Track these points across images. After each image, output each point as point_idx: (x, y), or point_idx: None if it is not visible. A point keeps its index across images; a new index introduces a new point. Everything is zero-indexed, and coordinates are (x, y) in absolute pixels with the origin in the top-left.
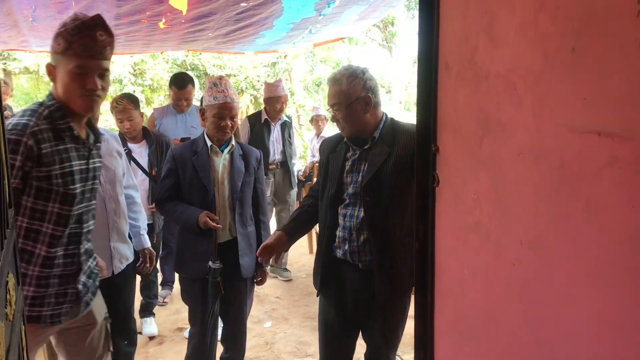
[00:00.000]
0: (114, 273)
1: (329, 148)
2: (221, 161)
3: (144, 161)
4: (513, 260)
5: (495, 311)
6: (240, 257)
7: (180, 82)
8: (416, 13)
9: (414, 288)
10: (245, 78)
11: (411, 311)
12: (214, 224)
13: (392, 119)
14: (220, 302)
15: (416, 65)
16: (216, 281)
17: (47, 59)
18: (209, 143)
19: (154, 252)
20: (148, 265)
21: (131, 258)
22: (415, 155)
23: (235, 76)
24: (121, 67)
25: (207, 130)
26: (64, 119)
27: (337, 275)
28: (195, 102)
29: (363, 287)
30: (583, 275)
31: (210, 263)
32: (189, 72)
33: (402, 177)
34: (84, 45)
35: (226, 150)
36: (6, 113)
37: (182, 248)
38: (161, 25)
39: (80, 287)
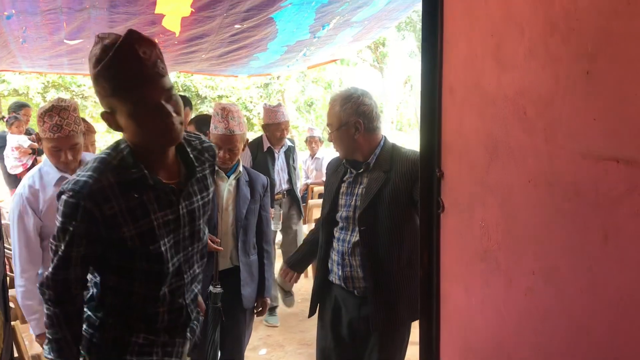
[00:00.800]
0: None
1: (332, 168)
2: (226, 187)
3: None
4: (525, 290)
5: (507, 343)
6: (242, 287)
7: None
8: (407, 34)
9: (418, 315)
10: (238, 99)
11: (415, 337)
12: (215, 246)
13: (393, 144)
14: (219, 331)
15: (407, 85)
16: (217, 307)
17: (36, 80)
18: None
19: None
20: None
21: None
22: (419, 180)
23: (227, 97)
24: None
25: None
26: (137, 166)
27: (333, 300)
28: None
29: (359, 315)
30: (602, 308)
31: (210, 287)
32: (180, 94)
33: (400, 206)
34: (132, 76)
35: (232, 176)
36: (31, 137)
37: None
38: None
39: (188, 335)
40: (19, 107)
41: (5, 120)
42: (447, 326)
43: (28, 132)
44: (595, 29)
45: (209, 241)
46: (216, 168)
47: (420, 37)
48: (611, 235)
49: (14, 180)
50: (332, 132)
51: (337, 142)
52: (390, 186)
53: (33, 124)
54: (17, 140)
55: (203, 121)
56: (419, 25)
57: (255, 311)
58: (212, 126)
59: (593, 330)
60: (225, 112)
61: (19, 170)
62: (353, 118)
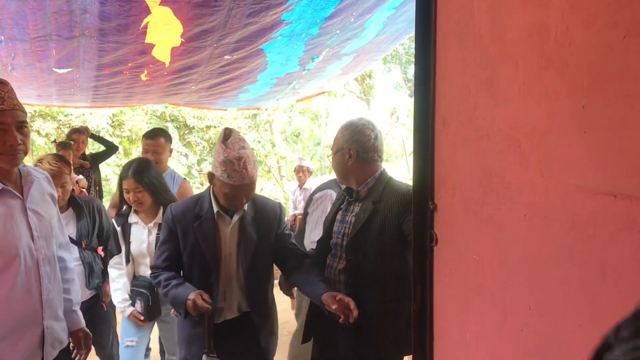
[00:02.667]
0: None
1: (338, 195)
2: (229, 229)
3: (71, 233)
4: (521, 325)
5: None
6: (261, 337)
7: (150, 133)
8: (392, 66)
9: (405, 351)
10: None
11: None
12: (204, 304)
13: (390, 178)
14: None
15: (393, 117)
16: None
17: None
18: (215, 208)
19: (90, 335)
20: (84, 350)
21: (65, 342)
22: (412, 213)
23: (215, 127)
24: (99, 118)
25: (215, 196)
26: None
27: (324, 329)
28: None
29: (346, 348)
30: None
31: (204, 357)
32: (168, 124)
33: (387, 238)
34: None
35: (236, 217)
36: (86, 163)
37: (179, 331)
38: (143, 77)
39: None
40: (71, 133)
41: (56, 145)
42: None
43: (84, 158)
44: (590, 63)
45: (199, 299)
46: (217, 209)
47: (406, 69)
48: (610, 271)
49: None
50: (331, 155)
51: (333, 166)
52: (378, 218)
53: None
54: None
55: (144, 168)
56: (405, 58)
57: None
58: (223, 174)
59: None
60: (242, 162)
61: None
62: (347, 145)
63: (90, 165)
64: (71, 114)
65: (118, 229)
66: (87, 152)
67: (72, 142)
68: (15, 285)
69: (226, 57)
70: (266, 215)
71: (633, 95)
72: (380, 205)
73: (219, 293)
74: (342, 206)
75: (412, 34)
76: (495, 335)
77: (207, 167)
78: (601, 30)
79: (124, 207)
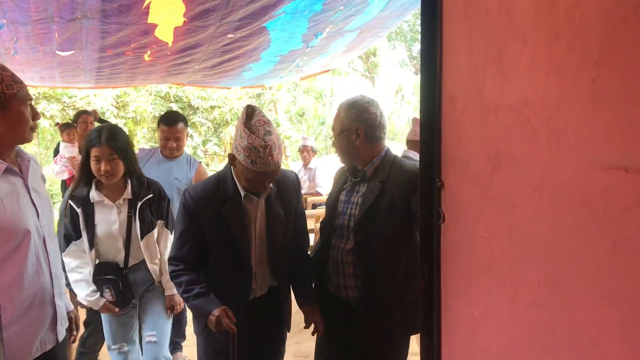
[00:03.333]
0: (58, 341)
1: (338, 174)
2: (258, 211)
3: None
4: (530, 302)
5: (512, 357)
6: (284, 311)
7: (169, 119)
8: (397, 44)
9: (414, 330)
10: (230, 109)
11: (416, 348)
12: (230, 324)
13: (395, 156)
14: None
15: (398, 95)
16: None
17: None
18: (242, 191)
19: (79, 317)
20: (75, 332)
21: (67, 320)
22: (419, 190)
23: (220, 107)
24: (103, 99)
25: (237, 178)
26: None
27: (331, 310)
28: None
29: (354, 327)
30: (612, 322)
31: None
32: (173, 105)
33: (396, 217)
34: None
35: (262, 197)
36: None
37: (201, 343)
38: (146, 57)
39: None
40: (77, 116)
41: (58, 127)
42: (448, 340)
43: None
44: (601, 35)
45: (224, 317)
46: (244, 192)
47: (411, 47)
48: (620, 246)
49: (62, 186)
50: (334, 136)
51: (337, 147)
52: (386, 197)
53: None
54: (64, 148)
55: (117, 133)
56: (410, 35)
57: (306, 325)
58: (247, 159)
59: (603, 344)
60: (269, 149)
61: (65, 175)
62: (354, 124)
63: None
64: (75, 96)
65: (78, 210)
66: None
67: (75, 124)
68: (27, 263)
69: (229, 35)
70: (288, 187)
71: None
72: (388, 184)
73: (252, 275)
74: (345, 186)
75: (417, 9)
76: (504, 312)
77: (212, 147)
78: (612, 0)
79: (82, 184)
